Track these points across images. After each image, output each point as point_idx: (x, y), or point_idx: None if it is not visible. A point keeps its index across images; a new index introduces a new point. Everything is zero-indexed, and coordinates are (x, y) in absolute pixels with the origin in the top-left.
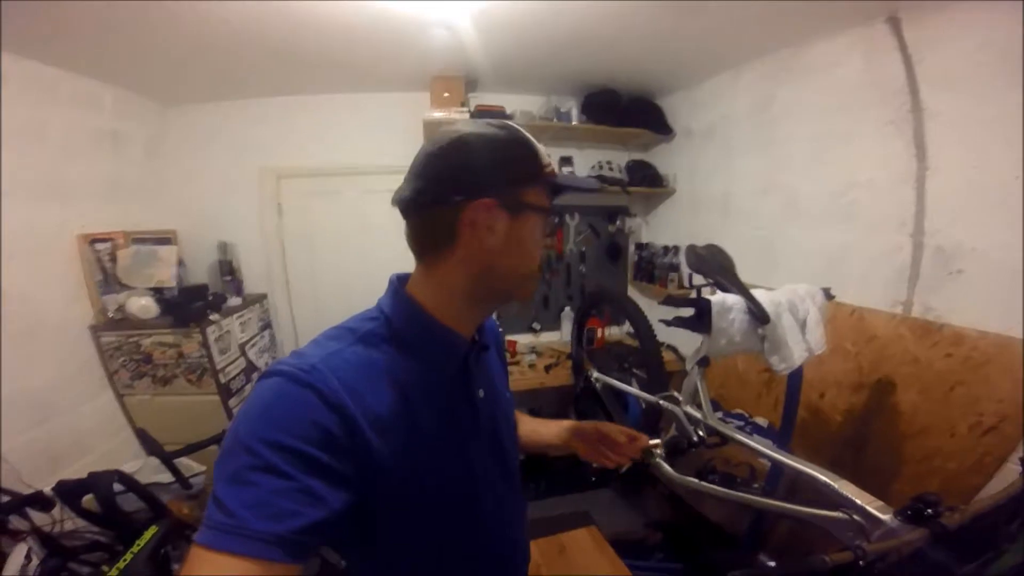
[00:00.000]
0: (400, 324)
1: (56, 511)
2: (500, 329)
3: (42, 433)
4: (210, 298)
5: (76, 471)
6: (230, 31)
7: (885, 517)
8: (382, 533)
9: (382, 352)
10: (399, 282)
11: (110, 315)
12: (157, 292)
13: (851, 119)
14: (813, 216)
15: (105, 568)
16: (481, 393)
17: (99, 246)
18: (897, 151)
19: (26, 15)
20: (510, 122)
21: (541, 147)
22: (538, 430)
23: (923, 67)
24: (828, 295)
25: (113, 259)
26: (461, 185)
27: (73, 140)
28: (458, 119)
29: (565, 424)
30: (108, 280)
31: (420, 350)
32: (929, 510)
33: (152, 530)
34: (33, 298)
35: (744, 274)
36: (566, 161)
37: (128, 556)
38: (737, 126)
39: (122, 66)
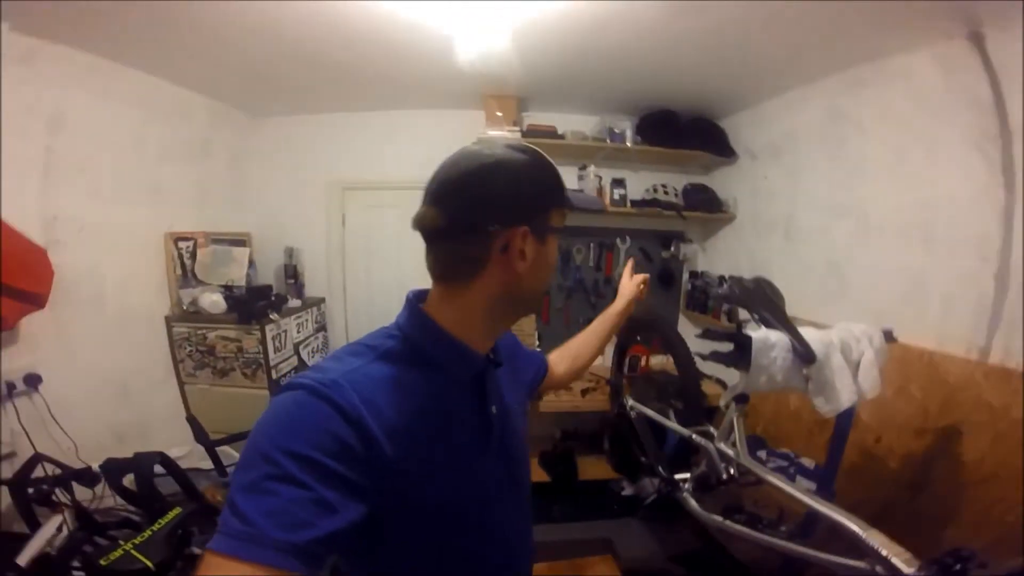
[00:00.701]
0: (418, 342)
1: (99, 488)
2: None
3: (111, 411)
4: (273, 298)
5: (133, 450)
6: (311, 49)
7: (909, 570)
8: (390, 541)
9: (400, 369)
10: (416, 299)
11: (185, 308)
12: (227, 289)
13: (929, 140)
14: (886, 243)
15: (122, 542)
16: (494, 409)
17: (182, 244)
18: (981, 177)
19: (131, 27)
20: (528, 143)
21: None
22: (597, 329)
23: (1011, 85)
24: (890, 337)
25: (193, 256)
26: (496, 213)
27: (169, 146)
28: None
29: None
30: (187, 275)
31: (438, 367)
32: (958, 565)
33: (176, 511)
34: (127, 289)
35: (808, 303)
36: (618, 183)
37: (148, 532)
38: (804, 146)
39: (216, 79)
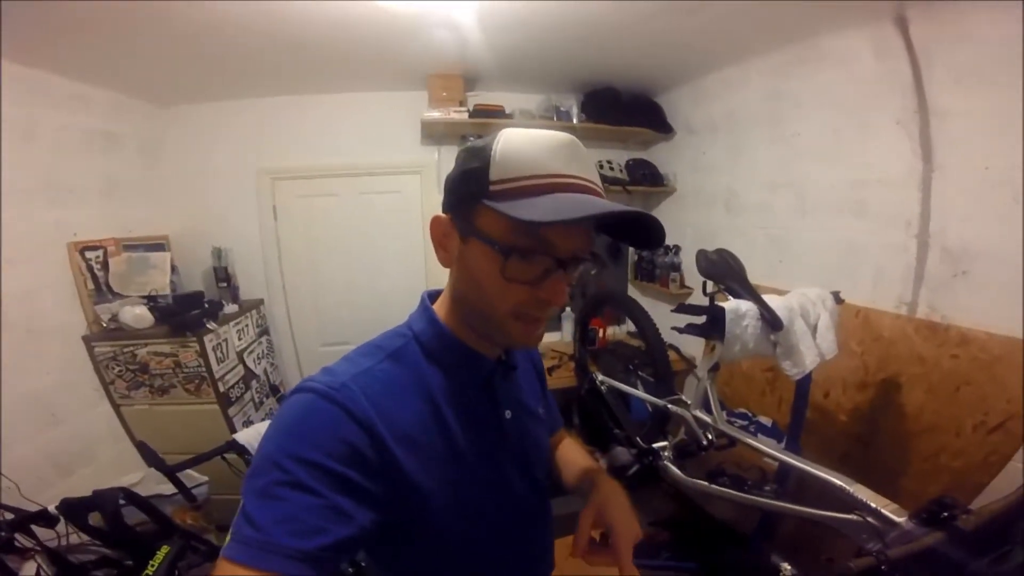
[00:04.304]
0: (425, 341)
1: (60, 526)
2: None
3: (44, 442)
4: (206, 306)
5: (78, 481)
6: (222, 29)
7: (900, 520)
8: (407, 546)
9: (411, 370)
10: (428, 299)
11: (104, 324)
12: (151, 300)
13: (861, 116)
14: (821, 214)
15: None
16: (508, 414)
17: (89, 254)
18: (904, 150)
19: (16, 20)
20: (510, 127)
21: (518, 151)
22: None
23: (931, 67)
24: (838, 299)
25: (105, 267)
26: (443, 197)
27: (64, 144)
28: (456, 119)
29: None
30: (100, 289)
31: (446, 369)
32: (945, 513)
33: (165, 550)
34: (31, 303)
35: (751, 271)
36: None
37: None
38: (742, 122)
39: (111, 68)
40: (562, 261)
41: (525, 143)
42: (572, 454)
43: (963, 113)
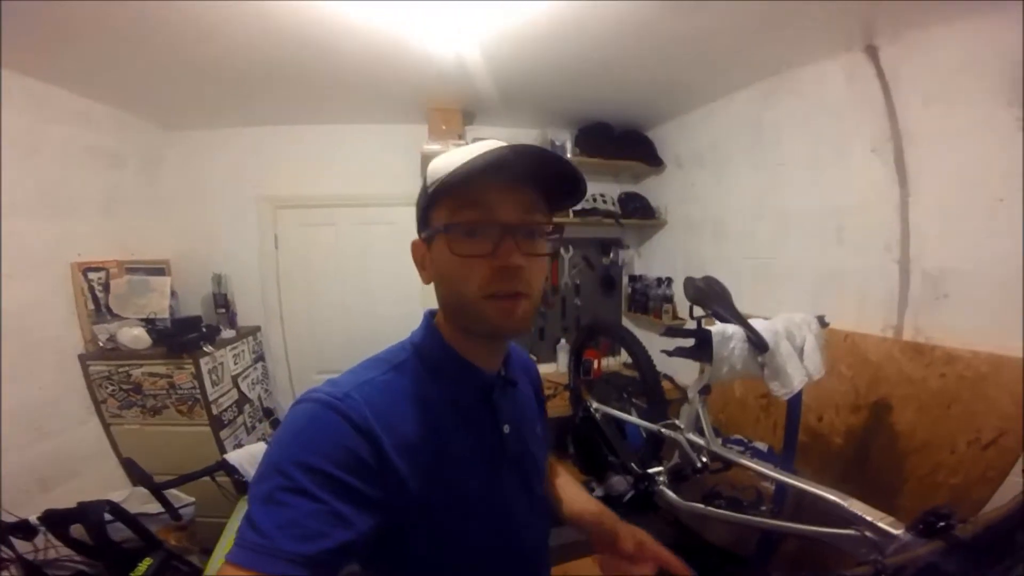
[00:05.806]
0: (426, 355)
1: (39, 539)
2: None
3: (31, 456)
4: (203, 330)
5: (62, 495)
6: (232, 56)
7: (898, 532)
8: (408, 550)
9: (413, 382)
10: (431, 315)
11: (101, 344)
12: (149, 323)
13: (838, 144)
14: (804, 241)
15: None
16: (507, 429)
17: (92, 275)
18: (880, 176)
19: (27, 31)
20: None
21: (447, 158)
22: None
23: (901, 93)
24: (823, 323)
25: (106, 288)
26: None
27: (69, 160)
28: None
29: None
30: (100, 309)
31: (446, 381)
32: (941, 523)
33: (147, 562)
34: (30, 318)
35: (739, 299)
36: None
37: None
38: (727, 153)
39: (113, 82)
40: (509, 227)
41: (455, 150)
42: (574, 490)
43: (934, 136)
